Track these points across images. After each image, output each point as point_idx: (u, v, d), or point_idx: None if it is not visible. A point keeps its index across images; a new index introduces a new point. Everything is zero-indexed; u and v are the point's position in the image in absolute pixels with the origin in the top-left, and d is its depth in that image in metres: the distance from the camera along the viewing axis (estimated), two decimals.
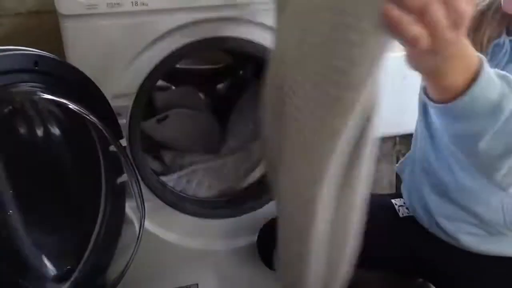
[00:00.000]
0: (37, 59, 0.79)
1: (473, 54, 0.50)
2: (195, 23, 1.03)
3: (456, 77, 0.49)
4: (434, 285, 1.06)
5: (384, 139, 1.40)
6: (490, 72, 0.51)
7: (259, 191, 1.23)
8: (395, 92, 1.29)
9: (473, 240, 0.87)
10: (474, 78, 0.50)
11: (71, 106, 0.84)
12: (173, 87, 1.41)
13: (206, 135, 1.38)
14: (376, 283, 1.19)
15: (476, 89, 0.50)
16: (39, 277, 0.95)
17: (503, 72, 0.54)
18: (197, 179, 1.26)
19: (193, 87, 1.40)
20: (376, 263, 0.97)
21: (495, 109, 0.51)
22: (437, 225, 0.90)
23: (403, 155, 1.45)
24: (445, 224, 0.89)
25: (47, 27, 1.32)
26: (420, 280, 1.13)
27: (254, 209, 1.22)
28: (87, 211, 0.98)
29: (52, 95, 0.81)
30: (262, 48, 1.09)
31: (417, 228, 0.94)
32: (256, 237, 1.17)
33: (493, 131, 0.53)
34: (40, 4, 1.35)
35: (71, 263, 0.93)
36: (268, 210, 1.21)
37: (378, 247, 0.84)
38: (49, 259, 0.91)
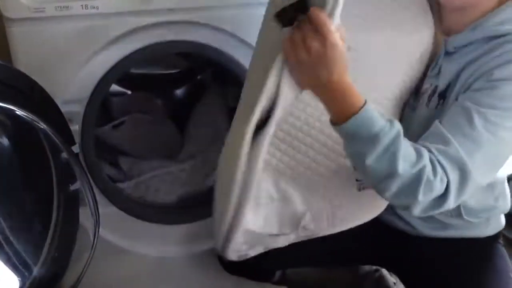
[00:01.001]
0: None
1: (355, 97, 0.67)
2: (148, 26, 1.01)
3: (340, 109, 0.68)
4: (394, 272, 1.10)
5: None
6: (371, 111, 0.67)
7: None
8: None
9: (427, 226, 0.92)
10: (355, 113, 0.67)
11: (19, 112, 0.81)
12: (129, 93, 1.38)
13: (164, 141, 1.37)
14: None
15: (355, 121, 0.67)
16: None
17: (391, 118, 0.70)
18: (156, 185, 1.24)
19: (150, 92, 1.39)
20: (336, 256, 1.00)
21: (374, 139, 0.67)
22: (394, 213, 0.94)
23: None
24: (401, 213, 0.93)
25: None
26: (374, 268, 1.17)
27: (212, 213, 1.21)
28: (39, 220, 0.95)
29: None
30: (219, 53, 1.10)
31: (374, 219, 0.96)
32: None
33: (375, 155, 0.67)
34: None
35: (23, 274, 0.90)
36: None
37: (336, 240, 0.86)
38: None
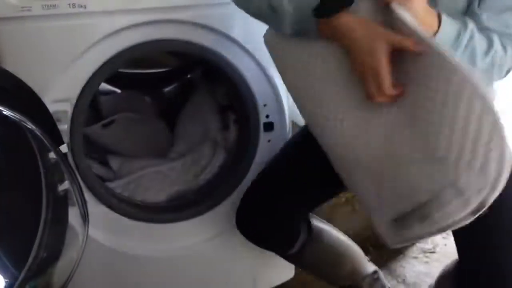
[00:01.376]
0: None
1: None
2: (136, 25, 1.01)
3: None
4: None
5: None
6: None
7: (209, 194, 1.23)
8: None
9: None
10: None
11: (6, 112, 0.80)
12: (119, 91, 1.38)
13: (154, 139, 1.36)
14: None
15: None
16: None
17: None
18: (145, 184, 1.24)
19: (139, 91, 1.38)
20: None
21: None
22: None
23: None
24: None
25: None
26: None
27: (204, 212, 1.21)
28: (28, 221, 0.94)
29: None
30: (209, 51, 1.10)
31: None
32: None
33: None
34: None
35: (10, 275, 0.89)
36: (222, 210, 1.21)
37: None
38: None
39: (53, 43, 0.95)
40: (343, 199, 1.53)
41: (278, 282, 1.40)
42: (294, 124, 1.38)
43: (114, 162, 1.28)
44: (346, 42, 0.77)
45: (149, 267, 1.21)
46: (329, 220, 1.50)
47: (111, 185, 1.21)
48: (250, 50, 1.12)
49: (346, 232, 1.38)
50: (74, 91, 1.00)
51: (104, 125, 1.29)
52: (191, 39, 1.07)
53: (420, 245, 1.65)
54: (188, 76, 1.45)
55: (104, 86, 1.38)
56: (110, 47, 1.00)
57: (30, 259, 0.94)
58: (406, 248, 1.64)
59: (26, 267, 0.95)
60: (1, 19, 0.91)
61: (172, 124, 1.37)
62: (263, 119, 1.19)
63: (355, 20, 0.75)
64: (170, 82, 1.46)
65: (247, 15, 1.06)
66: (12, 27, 0.92)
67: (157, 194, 1.24)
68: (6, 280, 0.89)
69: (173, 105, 1.41)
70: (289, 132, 1.25)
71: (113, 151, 1.31)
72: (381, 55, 0.73)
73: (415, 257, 1.59)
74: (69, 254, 0.97)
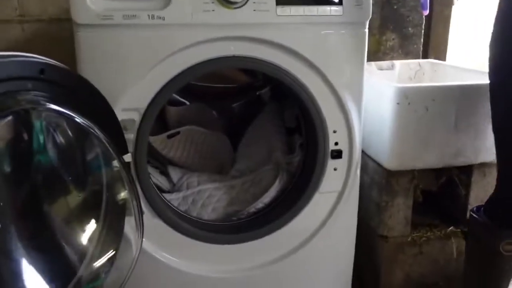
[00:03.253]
0: (43, 67, 0.77)
1: None
2: (213, 40, 1.00)
3: None
4: None
5: (403, 173, 1.34)
6: None
7: (266, 218, 1.18)
8: (416, 124, 1.23)
9: None
10: None
11: (77, 119, 0.81)
12: (187, 103, 1.37)
13: (217, 155, 1.34)
14: None
15: None
16: None
17: None
18: (203, 200, 1.21)
19: (207, 104, 1.37)
20: None
21: None
22: None
23: (421, 189, 1.38)
24: None
25: (67, 35, 1.32)
26: None
27: (259, 236, 1.16)
28: (83, 228, 0.94)
29: (56, 105, 0.79)
30: (281, 71, 1.06)
31: None
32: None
33: None
34: (61, 11, 1.35)
35: (59, 283, 0.89)
36: (277, 237, 1.16)
37: None
38: (33, 279, 0.87)
39: (130, 53, 0.96)
40: (409, 239, 1.42)
41: None
42: (363, 153, 1.31)
43: (175, 174, 1.27)
44: None
45: (196, 285, 1.17)
46: (393, 260, 1.40)
47: (168, 196, 1.19)
48: (324, 71, 1.08)
49: (408, 275, 1.27)
50: (144, 101, 1.00)
51: (169, 136, 1.28)
52: (264, 57, 1.04)
53: None
54: (258, 93, 1.42)
55: (172, 96, 1.39)
56: (185, 60, 0.99)
57: (82, 266, 0.95)
58: None
59: (80, 272, 0.95)
60: (83, 26, 0.92)
61: (237, 141, 1.34)
62: (331, 146, 1.13)
63: None
64: (238, 98, 1.44)
65: (321, 35, 1.01)
66: (93, 35, 0.93)
67: (214, 211, 1.20)
68: (59, 285, 0.89)
69: (239, 122, 1.38)
70: (358, 162, 1.18)
71: (175, 163, 1.30)
72: None
73: None
74: (122, 264, 0.96)
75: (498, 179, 1.13)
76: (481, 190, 1.37)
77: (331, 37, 1.06)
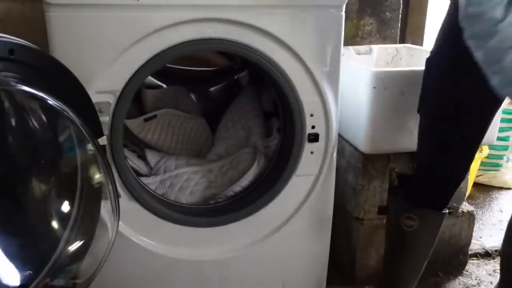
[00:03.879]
0: (13, 47, 0.75)
1: None
2: (190, 22, 0.98)
3: None
4: None
5: (379, 157, 1.36)
6: None
7: (244, 201, 1.19)
8: (392, 109, 1.25)
9: None
10: None
11: (50, 101, 0.79)
12: (164, 86, 1.36)
13: (194, 139, 1.33)
14: None
15: None
16: None
17: None
18: (181, 183, 1.21)
19: (185, 87, 1.36)
20: None
21: None
22: None
23: (397, 173, 1.41)
24: None
25: (40, 15, 1.29)
26: None
27: (237, 219, 1.17)
28: (58, 212, 0.93)
29: (28, 86, 0.77)
30: (259, 54, 1.05)
31: None
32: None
33: None
34: None
35: (33, 268, 0.88)
36: (254, 220, 1.17)
37: None
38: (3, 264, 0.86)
39: (103, 33, 0.94)
40: (384, 222, 1.44)
41: None
42: (340, 137, 1.32)
43: (152, 157, 1.26)
44: None
45: (175, 268, 1.18)
46: (368, 242, 1.43)
47: (146, 180, 1.19)
48: (301, 55, 1.07)
49: (383, 257, 1.30)
50: (119, 83, 0.98)
51: (146, 119, 1.27)
52: (241, 39, 1.03)
53: (464, 279, 1.54)
54: (235, 77, 1.41)
55: (149, 79, 1.37)
56: (160, 42, 0.97)
57: (58, 249, 0.94)
58: (448, 280, 1.53)
59: (55, 257, 0.94)
60: (54, 5, 0.90)
61: (215, 125, 1.33)
62: (308, 130, 1.14)
63: None
64: (216, 82, 1.42)
65: (298, 18, 1.01)
66: (64, 14, 0.91)
67: (192, 195, 1.20)
68: (26, 273, 0.88)
69: (217, 105, 1.37)
70: (334, 146, 1.19)
71: (152, 146, 1.29)
72: None
73: None
74: (98, 247, 0.95)
75: (416, 158, 1.18)
76: None
77: (308, 20, 1.06)
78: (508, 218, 1.10)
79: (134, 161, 1.23)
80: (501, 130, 1.57)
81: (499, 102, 1.01)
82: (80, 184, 0.95)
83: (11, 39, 0.76)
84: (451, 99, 1.00)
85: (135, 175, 1.13)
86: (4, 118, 0.82)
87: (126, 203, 1.06)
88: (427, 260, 1.17)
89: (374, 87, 1.22)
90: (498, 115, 1.50)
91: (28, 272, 0.87)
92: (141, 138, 1.26)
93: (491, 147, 1.95)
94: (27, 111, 0.86)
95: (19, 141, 0.89)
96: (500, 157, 2.06)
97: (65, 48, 0.92)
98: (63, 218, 0.92)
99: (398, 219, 1.13)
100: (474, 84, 0.90)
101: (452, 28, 0.94)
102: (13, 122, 0.85)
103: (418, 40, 1.70)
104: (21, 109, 0.84)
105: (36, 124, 0.88)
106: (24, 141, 0.87)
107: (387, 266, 1.22)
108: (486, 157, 1.96)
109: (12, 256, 0.85)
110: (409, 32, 1.68)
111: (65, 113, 0.81)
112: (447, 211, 1.13)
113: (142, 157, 1.28)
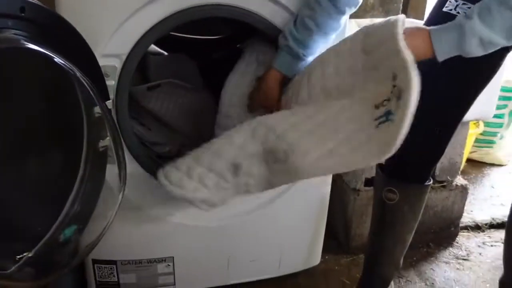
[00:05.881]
0: (24, 5, 0.74)
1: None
2: None
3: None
4: None
5: None
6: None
7: None
8: None
9: None
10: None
11: (57, 59, 0.79)
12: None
13: (197, 112, 1.33)
14: None
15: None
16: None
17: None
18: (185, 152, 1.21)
19: (188, 56, 1.35)
20: None
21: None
22: None
23: None
24: None
25: None
26: None
27: None
28: (65, 174, 0.94)
29: (37, 45, 0.76)
30: (265, 22, 1.05)
31: None
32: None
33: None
34: None
35: (42, 226, 0.89)
36: None
37: None
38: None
39: None
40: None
41: (303, 267, 1.39)
42: None
43: (154, 127, 1.26)
44: None
45: (178, 233, 1.20)
46: (364, 212, 1.47)
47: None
48: None
49: None
50: (125, 47, 0.98)
51: (150, 88, 1.26)
52: (247, 6, 1.03)
53: (454, 250, 1.59)
54: (238, 46, 1.41)
55: (153, 48, 1.36)
56: (168, 6, 0.97)
57: (64, 211, 0.95)
58: (438, 251, 1.58)
59: (60, 218, 0.95)
60: None
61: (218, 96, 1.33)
62: None
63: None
64: (219, 50, 1.42)
65: None
66: None
67: None
68: (38, 229, 0.90)
69: (220, 77, 1.37)
70: None
71: (154, 114, 1.29)
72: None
73: (447, 262, 1.53)
74: (103, 212, 0.96)
75: None
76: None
77: None
78: (499, 193, 1.13)
79: (137, 127, 1.23)
80: (497, 108, 1.59)
81: (481, 70, 1.01)
82: (86, 147, 0.96)
83: None
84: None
85: (138, 140, 1.13)
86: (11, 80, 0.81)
87: (130, 167, 1.07)
88: (412, 233, 1.18)
89: None
90: (496, 92, 1.52)
91: (38, 228, 0.88)
92: (143, 105, 1.26)
93: (486, 124, 1.98)
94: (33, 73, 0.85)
95: (23, 104, 0.89)
96: (494, 134, 2.09)
97: (73, 9, 0.91)
98: (69, 182, 0.93)
99: (380, 192, 1.14)
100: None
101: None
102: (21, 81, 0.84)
103: (420, 15, 1.69)
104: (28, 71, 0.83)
105: (43, 85, 0.87)
106: (29, 105, 0.87)
107: (372, 238, 1.24)
108: (481, 134, 1.99)
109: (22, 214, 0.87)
110: (412, 6, 1.68)
111: (73, 73, 0.81)
112: (429, 183, 1.13)
113: (144, 125, 1.28)
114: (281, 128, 0.93)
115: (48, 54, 0.77)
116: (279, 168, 0.94)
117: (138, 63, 1.05)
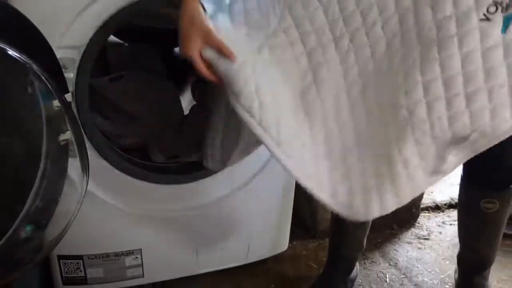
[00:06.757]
0: None
1: None
2: None
3: None
4: None
5: None
6: None
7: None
8: None
9: None
10: None
11: (11, 52, 0.77)
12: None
13: (161, 100, 1.32)
14: None
15: None
16: None
17: None
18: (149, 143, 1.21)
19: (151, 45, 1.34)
20: None
21: None
22: None
23: None
24: None
25: None
26: None
27: (203, 176, 1.19)
28: (26, 169, 0.92)
29: None
30: None
31: None
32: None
33: None
34: None
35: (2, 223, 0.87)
36: (220, 178, 1.20)
37: None
38: None
39: None
40: None
41: (271, 253, 1.41)
42: None
43: (118, 119, 1.25)
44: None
45: (145, 225, 1.20)
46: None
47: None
48: None
49: None
50: (83, 38, 0.96)
51: (112, 79, 1.25)
52: None
53: (415, 230, 1.66)
54: None
55: (114, 39, 1.34)
56: None
57: (25, 207, 0.93)
58: (401, 232, 1.64)
59: (22, 214, 0.93)
60: None
61: (182, 83, 1.33)
62: None
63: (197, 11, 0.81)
64: None
65: None
66: None
67: (158, 155, 1.21)
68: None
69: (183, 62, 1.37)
70: None
71: (118, 107, 1.27)
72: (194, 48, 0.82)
73: (409, 242, 1.59)
74: (67, 206, 0.95)
75: None
76: None
77: None
78: (458, 174, 1.17)
79: (100, 120, 1.22)
80: None
81: None
82: (46, 141, 0.94)
83: None
84: None
85: (100, 133, 1.12)
86: None
87: (93, 160, 1.06)
88: None
89: None
90: None
91: None
92: (106, 98, 1.25)
93: None
94: None
95: None
96: None
97: (27, 0, 0.89)
98: (31, 176, 0.91)
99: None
100: None
101: None
102: None
103: None
104: None
105: None
106: None
107: (333, 222, 1.28)
108: None
109: None
110: None
111: (28, 65, 0.79)
112: None
113: (108, 118, 1.27)
114: None
115: (1, 47, 0.75)
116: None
117: (99, 54, 1.03)
